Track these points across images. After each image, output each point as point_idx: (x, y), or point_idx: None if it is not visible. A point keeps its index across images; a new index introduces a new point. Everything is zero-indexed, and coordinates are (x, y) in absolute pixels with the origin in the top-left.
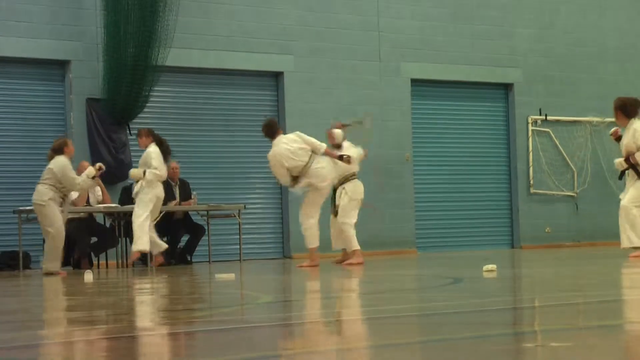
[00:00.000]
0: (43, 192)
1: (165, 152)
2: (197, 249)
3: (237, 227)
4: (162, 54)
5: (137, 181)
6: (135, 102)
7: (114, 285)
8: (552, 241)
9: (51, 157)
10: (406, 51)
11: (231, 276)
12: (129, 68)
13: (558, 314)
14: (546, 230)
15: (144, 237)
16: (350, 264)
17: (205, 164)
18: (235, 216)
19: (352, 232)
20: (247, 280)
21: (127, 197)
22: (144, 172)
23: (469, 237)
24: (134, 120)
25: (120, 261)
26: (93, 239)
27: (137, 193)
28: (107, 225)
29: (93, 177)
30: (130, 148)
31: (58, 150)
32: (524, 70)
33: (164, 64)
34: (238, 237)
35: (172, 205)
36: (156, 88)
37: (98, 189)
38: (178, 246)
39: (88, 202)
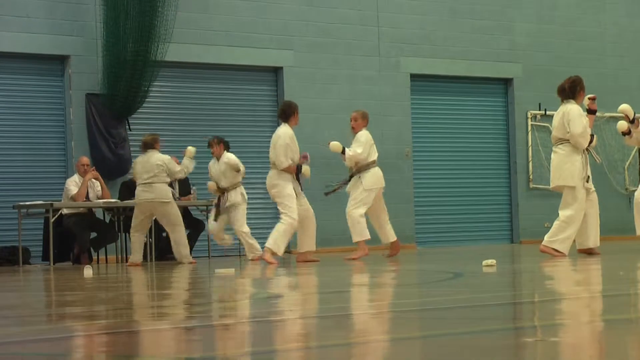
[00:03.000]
0: (165, 190)
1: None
2: (196, 244)
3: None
4: (162, 49)
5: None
6: (134, 98)
7: (113, 280)
8: None
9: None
10: (406, 46)
11: (231, 271)
12: (129, 63)
13: (558, 309)
14: (545, 225)
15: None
16: (353, 259)
17: (204, 158)
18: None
19: (360, 221)
20: (245, 275)
21: (127, 192)
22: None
23: (468, 232)
24: (134, 116)
25: (120, 256)
26: (92, 234)
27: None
28: (107, 220)
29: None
30: (130, 143)
31: (151, 145)
32: (523, 64)
33: (163, 59)
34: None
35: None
36: (155, 83)
37: (97, 184)
38: None
39: (87, 198)
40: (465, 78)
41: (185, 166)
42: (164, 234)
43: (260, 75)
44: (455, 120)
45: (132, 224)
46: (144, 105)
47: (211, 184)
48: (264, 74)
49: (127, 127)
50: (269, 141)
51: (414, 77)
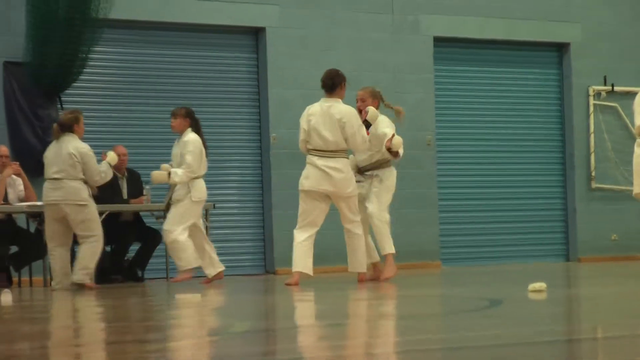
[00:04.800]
0: (77, 189)
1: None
2: (150, 261)
3: (205, 232)
4: (105, 4)
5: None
6: (69, 68)
7: (41, 309)
8: (620, 252)
9: (58, 136)
10: (427, 0)
11: (196, 297)
12: (61, 22)
13: (627, 348)
14: (612, 238)
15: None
16: (387, 278)
17: (161, 149)
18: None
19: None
20: (217, 302)
21: None
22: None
23: (509, 246)
24: (68, 91)
25: (49, 277)
26: (13, 248)
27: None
28: (32, 230)
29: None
30: None
31: (68, 126)
32: (583, 25)
33: (107, 16)
34: None
35: (118, 205)
36: (97, 48)
37: (19, 181)
38: (126, 257)
39: (6, 200)
40: (505, 43)
41: (104, 171)
42: (108, 248)
43: (235, 38)
44: (491, 99)
45: (45, 235)
46: (81, 77)
47: (156, 174)
48: (240, 37)
49: (60, 106)
50: (247, 123)
51: (438, 41)
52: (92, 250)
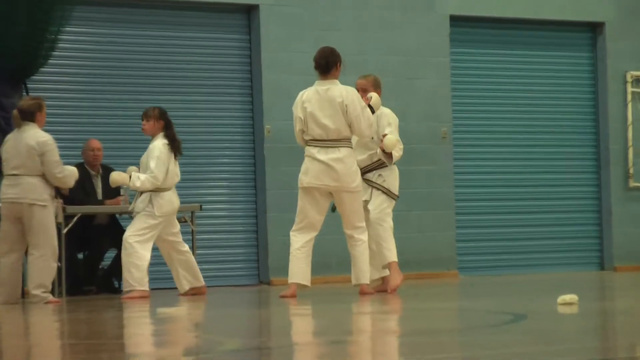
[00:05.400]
0: (36, 186)
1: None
2: None
3: (190, 237)
4: None
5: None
6: (35, 51)
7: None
8: None
9: (20, 124)
10: None
11: (179, 311)
12: None
13: None
14: None
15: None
16: (395, 287)
17: (140, 142)
18: (186, 221)
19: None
20: (204, 316)
21: None
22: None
23: (535, 253)
24: (35, 77)
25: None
26: None
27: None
28: None
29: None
30: None
31: (30, 115)
32: (619, 2)
33: None
34: (190, 252)
35: (92, 206)
36: (68, 29)
37: None
38: (100, 265)
39: None
40: (531, 22)
41: (66, 174)
42: (81, 256)
43: (224, 17)
44: (514, 87)
45: None
46: (50, 62)
47: (116, 175)
48: (230, 16)
49: (25, 93)
50: (239, 113)
51: (455, 20)
52: (44, 264)
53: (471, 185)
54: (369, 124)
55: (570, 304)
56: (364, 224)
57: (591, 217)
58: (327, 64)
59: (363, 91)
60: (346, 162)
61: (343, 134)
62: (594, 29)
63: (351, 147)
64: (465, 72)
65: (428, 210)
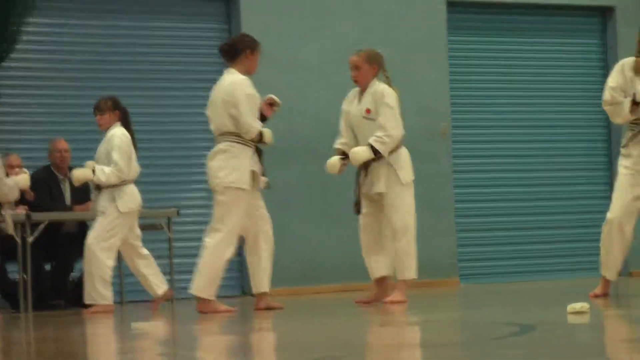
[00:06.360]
0: None
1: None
2: None
3: (167, 245)
4: None
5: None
6: None
7: None
8: None
9: None
10: None
11: (155, 326)
12: None
13: None
14: None
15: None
16: (393, 302)
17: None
18: (162, 228)
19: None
20: (181, 332)
21: None
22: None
23: (543, 259)
24: None
25: None
26: None
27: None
28: None
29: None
30: None
31: None
32: None
33: None
34: (168, 261)
35: (59, 213)
36: (34, 20)
37: None
38: (70, 276)
39: None
40: (536, 7)
41: (8, 186)
42: (48, 267)
43: (202, 5)
44: (518, 77)
45: None
46: (12, 56)
47: (79, 172)
48: (208, 4)
49: None
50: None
51: (454, 5)
52: None
53: (472, 185)
54: (247, 128)
55: (581, 312)
56: (219, 226)
57: (604, 218)
58: (230, 50)
59: (356, 68)
60: (216, 157)
61: (223, 130)
62: (604, 13)
63: (237, 142)
64: (464, 63)
65: (426, 212)
